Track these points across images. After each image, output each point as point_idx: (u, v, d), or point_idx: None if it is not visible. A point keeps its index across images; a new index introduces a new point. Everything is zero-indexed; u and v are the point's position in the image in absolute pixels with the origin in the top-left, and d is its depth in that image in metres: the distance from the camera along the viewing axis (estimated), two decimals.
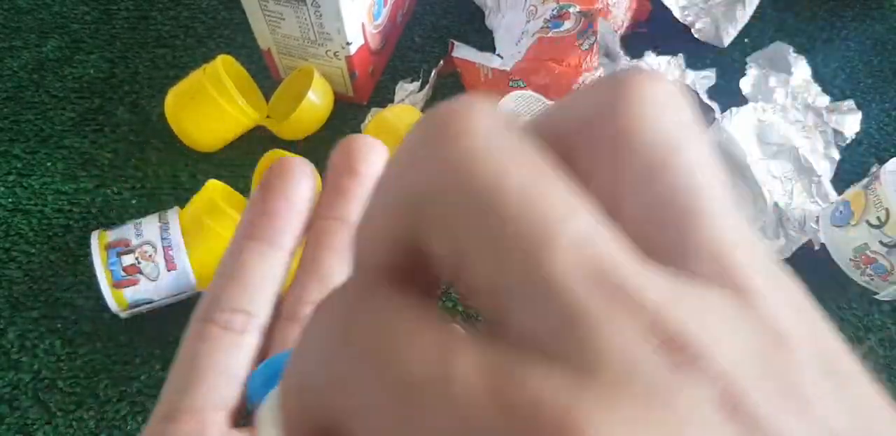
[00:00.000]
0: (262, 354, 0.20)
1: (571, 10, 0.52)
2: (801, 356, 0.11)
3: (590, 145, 0.12)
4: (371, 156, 0.22)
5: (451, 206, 0.11)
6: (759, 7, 0.59)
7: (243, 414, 0.20)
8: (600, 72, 0.51)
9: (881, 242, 0.45)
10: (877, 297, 0.48)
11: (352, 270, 0.13)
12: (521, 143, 0.11)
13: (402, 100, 0.54)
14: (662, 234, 0.11)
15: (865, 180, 0.47)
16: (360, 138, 0.22)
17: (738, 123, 0.51)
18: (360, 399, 0.10)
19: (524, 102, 0.50)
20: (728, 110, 0.51)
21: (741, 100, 0.53)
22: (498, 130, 0.11)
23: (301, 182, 0.21)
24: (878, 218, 0.45)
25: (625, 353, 0.10)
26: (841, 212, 0.47)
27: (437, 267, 0.11)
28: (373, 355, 0.10)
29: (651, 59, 0.55)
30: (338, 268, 0.21)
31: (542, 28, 0.53)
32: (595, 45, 0.51)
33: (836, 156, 0.53)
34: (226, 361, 0.20)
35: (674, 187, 0.11)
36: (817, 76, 0.56)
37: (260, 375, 0.19)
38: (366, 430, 0.10)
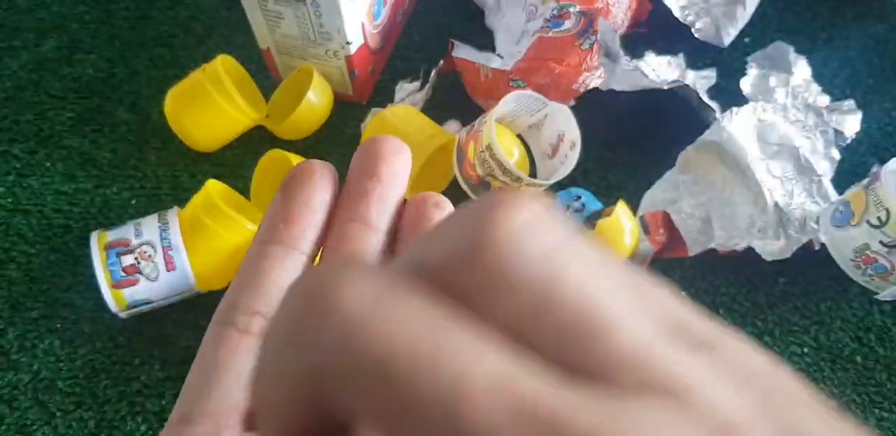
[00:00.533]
0: None
1: (571, 9, 0.52)
2: None
3: (471, 285, 0.11)
4: (393, 158, 0.21)
5: (352, 383, 0.10)
6: (759, 6, 0.59)
7: None
8: (601, 71, 0.51)
9: (881, 243, 0.45)
10: (877, 297, 0.48)
11: None
12: (402, 296, 0.11)
13: (402, 100, 0.54)
14: (576, 355, 0.11)
15: (866, 180, 0.47)
16: (383, 139, 0.21)
17: (739, 123, 0.51)
18: None
19: (524, 102, 0.50)
20: (728, 110, 0.51)
21: (741, 99, 0.53)
22: (372, 290, 0.11)
23: (322, 187, 0.21)
24: (879, 218, 0.45)
25: None
26: (841, 212, 0.47)
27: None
28: None
29: (651, 59, 0.54)
30: None
31: (542, 28, 0.52)
32: (595, 45, 0.51)
33: (837, 156, 0.53)
34: (242, 364, 0.20)
35: (569, 312, 0.11)
36: (818, 76, 0.56)
37: None
38: None
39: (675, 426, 0.10)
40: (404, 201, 0.22)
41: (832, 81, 0.58)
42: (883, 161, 0.50)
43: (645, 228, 0.49)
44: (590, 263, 0.11)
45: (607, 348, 0.11)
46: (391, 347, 0.10)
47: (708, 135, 0.50)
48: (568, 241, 0.11)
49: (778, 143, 0.52)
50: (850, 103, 0.55)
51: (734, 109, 0.51)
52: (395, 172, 0.21)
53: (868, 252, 0.46)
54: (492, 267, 0.11)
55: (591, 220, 0.47)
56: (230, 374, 0.20)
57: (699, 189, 0.51)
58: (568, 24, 0.51)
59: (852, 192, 0.48)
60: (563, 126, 0.50)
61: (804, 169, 0.51)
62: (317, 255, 0.21)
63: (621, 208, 0.47)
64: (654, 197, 0.51)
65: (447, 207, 0.22)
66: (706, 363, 0.11)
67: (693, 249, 0.49)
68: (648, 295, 0.12)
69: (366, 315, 0.10)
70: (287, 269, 0.21)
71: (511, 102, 0.48)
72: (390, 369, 0.10)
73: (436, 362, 0.10)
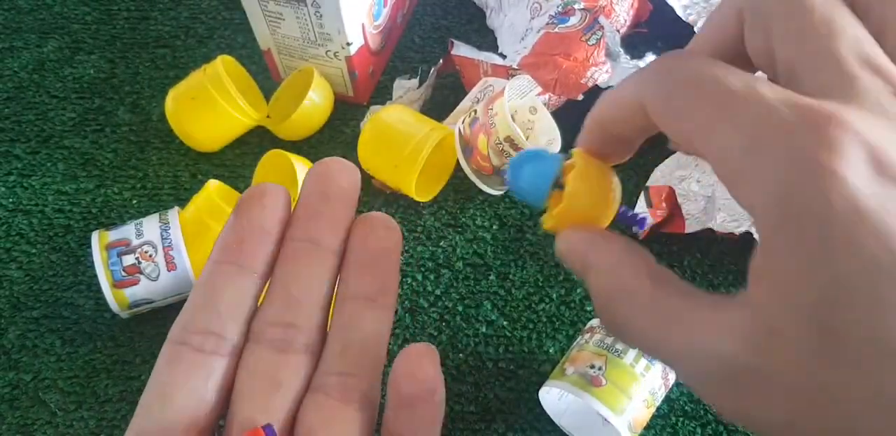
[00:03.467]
0: (232, 376, 0.21)
1: (576, 6, 0.52)
2: None
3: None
4: (342, 179, 0.22)
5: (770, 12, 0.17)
6: None
7: (212, 435, 0.21)
8: (608, 66, 0.51)
9: None
10: None
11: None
12: None
13: (400, 97, 0.54)
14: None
15: None
16: (333, 162, 0.22)
17: None
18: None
19: (517, 86, 0.50)
20: None
21: None
22: None
23: (274, 208, 0.22)
24: None
25: (879, 97, 0.16)
26: None
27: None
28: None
29: (651, 60, 0.55)
30: (305, 288, 0.21)
31: (548, 24, 0.53)
32: (602, 40, 0.51)
33: None
34: (195, 383, 0.20)
35: None
36: None
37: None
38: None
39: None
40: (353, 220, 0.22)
41: None
42: None
43: (648, 200, 0.49)
44: None
45: None
46: None
47: None
48: None
49: None
50: None
51: None
52: (344, 193, 0.22)
53: None
54: None
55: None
56: (183, 393, 0.20)
57: (710, 169, 0.51)
58: (573, 19, 0.52)
59: None
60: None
61: None
62: (269, 274, 0.22)
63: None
64: (665, 172, 0.51)
65: (394, 226, 0.22)
66: None
67: (691, 227, 0.49)
68: None
69: None
70: (240, 288, 0.21)
71: (509, 90, 0.48)
72: (798, 5, 0.17)
73: (827, 11, 0.17)
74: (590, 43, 0.51)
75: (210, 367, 0.20)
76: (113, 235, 0.45)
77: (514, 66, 0.51)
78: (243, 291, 0.21)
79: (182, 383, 0.20)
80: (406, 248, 0.50)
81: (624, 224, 0.23)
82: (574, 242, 0.20)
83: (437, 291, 0.48)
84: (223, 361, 0.21)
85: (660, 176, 0.51)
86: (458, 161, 0.50)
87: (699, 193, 0.50)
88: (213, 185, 0.47)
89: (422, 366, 0.19)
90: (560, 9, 0.53)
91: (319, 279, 0.21)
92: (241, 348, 0.21)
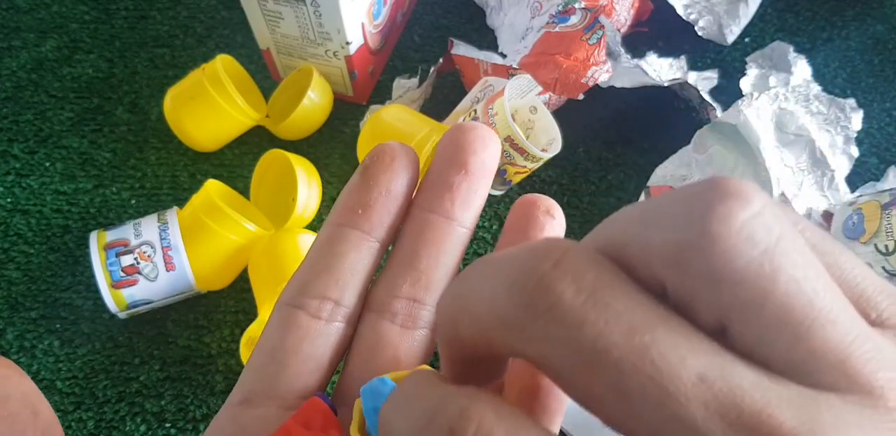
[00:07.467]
0: (346, 344, 0.20)
1: (576, 5, 0.52)
2: None
3: (683, 280, 0.12)
4: (483, 150, 0.20)
5: (568, 368, 0.12)
6: (759, 7, 0.59)
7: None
8: (609, 65, 0.51)
9: (884, 268, 0.43)
10: None
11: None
12: (614, 292, 0.12)
13: (400, 96, 0.54)
14: (780, 352, 0.11)
15: (885, 194, 0.45)
16: (473, 128, 0.20)
17: (758, 108, 0.50)
18: None
19: (517, 86, 0.49)
20: (749, 94, 0.50)
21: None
22: (588, 285, 0.12)
23: (403, 172, 0.20)
24: (886, 247, 0.43)
25: None
26: (854, 223, 0.46)
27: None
28: None
29: (652, 60, 0.54)
30: (434, 264, 0.20)
31: (548, 23, 0.52)
32: (603, 39, 0.50)
33: (855, 153, 0.52)
34: (310, 349, 0.19)
35: (783, 308, 0.11)
36: (818, 75, 0.56)
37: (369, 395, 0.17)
38: None
39: (870, 426, 0.11)
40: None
41: (832, 81, 0.58)
42: (883, 161, 0.49)
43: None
44: (800, 255, 0.11)
45: (815, 348, 0.11)
46: (606, 341, 0.11)
47: (725, 117, 0.50)
48: (785, 234, 0.11)
49: (795, 133, 0.51)
50: (851, 102, 0.54)
51: (755, 93, 0.50)
52: (483, 164, 0.20)
53: None
54: (714, 263, 0.11)
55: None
56: (298, 358, 0.19)
57: (711, 170, 0.51)
58: (574, 19, 0.51)
59: (869, 201, 0.46)
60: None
61: (818, 161, 0.51)
62: (390, 242, 0.21)
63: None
64: (665, 172, 0.51)
65: (558, 215, 0.20)
66: (891, 346, 0.12)
67: None
68: (841, 266, 0.13)
69: (582, 312, 0.11)
70: (361, 255, 0.20)
71: (509, 90, 0.48)
72: (604, 360, 0.11)
73: (648, 352, 0.11)
74: (590, 42, 0.51)
75: (325, 334, 0.20)
76: (111, 235, 0.45)
77: (515, 66, 0.51)
78: (363, 257, 0.20)
79: (296, 349, 0.19)
80: None
81: None
82: None
83: None
84: (339, 328, 0.20)
85: (660, 176, 0.51)
86: None
87: None
88: (211, 185, 0.47)
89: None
90: (560, 8, 0.53)
91: (448, 255, 0.20)
92: (356, 317, 0.20)
